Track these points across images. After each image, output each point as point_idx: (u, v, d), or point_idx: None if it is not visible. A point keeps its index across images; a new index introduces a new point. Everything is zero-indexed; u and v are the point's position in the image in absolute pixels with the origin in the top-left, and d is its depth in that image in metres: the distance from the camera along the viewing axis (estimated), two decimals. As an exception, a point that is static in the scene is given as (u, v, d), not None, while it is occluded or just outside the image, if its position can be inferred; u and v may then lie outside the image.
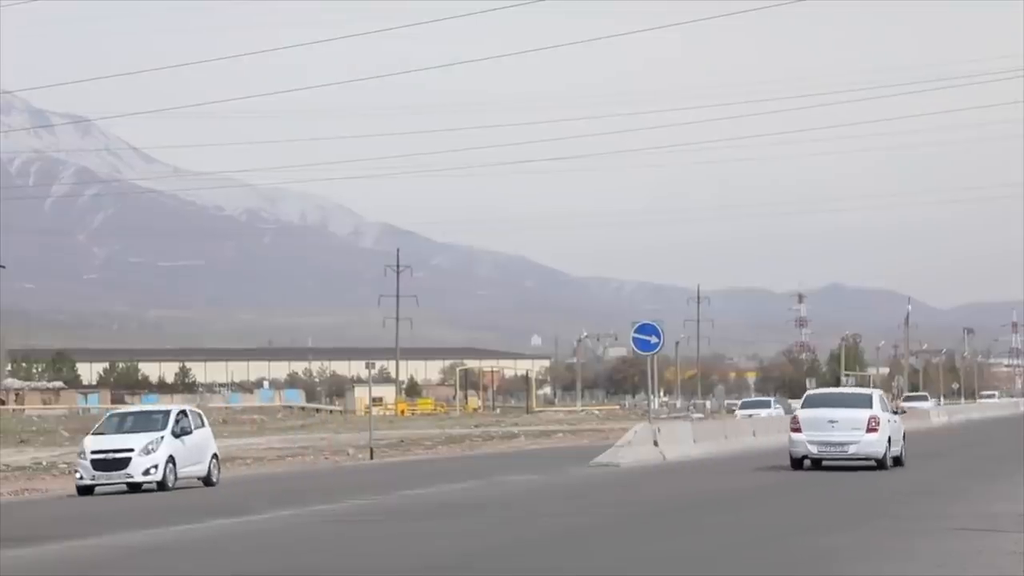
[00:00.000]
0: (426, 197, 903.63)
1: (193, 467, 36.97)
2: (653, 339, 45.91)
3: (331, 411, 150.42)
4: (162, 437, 36.04)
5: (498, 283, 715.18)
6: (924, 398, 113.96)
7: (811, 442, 35.59)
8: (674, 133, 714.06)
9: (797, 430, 36.01)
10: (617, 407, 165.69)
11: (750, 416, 67.68)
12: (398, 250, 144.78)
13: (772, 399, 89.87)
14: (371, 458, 52.77)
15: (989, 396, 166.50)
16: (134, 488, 35.85)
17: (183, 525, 23.50)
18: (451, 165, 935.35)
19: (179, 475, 36.26)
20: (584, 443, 63.39)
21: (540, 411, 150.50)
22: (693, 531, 20.64)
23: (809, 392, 42.98)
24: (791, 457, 36.15)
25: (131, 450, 35.65)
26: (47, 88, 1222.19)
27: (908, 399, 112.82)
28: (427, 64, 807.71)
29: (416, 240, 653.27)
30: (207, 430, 38.61)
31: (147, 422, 37.03)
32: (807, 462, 35.87)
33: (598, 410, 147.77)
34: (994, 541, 18.27)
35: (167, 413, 37.61)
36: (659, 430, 44.43)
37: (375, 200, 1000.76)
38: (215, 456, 38.30)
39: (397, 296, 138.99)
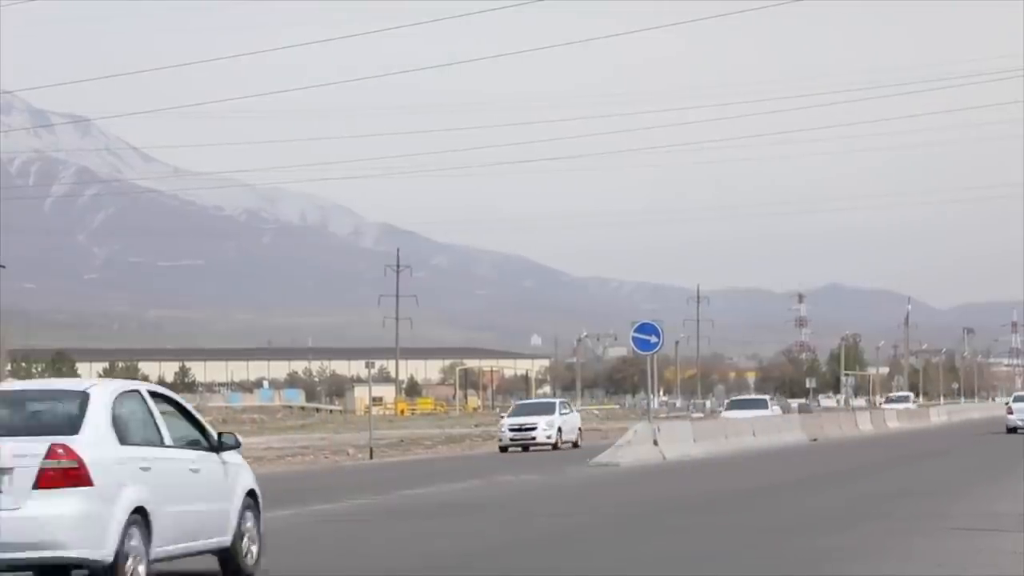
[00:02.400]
0: (426, 197, 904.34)
1: None
2: (653, 339, 45.87)
3: (331, 411, 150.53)
4: None
5: (497, 283, 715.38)
6: (906, 399, 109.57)
7: (1019, 419, 61.24)
8: (674, 133, 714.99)
9: (1010, 412, 62.83)
10: (617, 407, 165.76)
11: (744, 418, 57.77)
12: (398, 250, 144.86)
13: (768, 398, 78.48)
14: (371, 458, 52.77)
15: (954, 402, 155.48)
16: None
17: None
18: (451, 165, 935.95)
19: None
20: (584, 443, 63.38)
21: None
22: (693, 531, 20.65)
23: (1017, 392, 70.20)
24: (1006, 427, 61.47)
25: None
26: (47, 88, 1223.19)
27: (890, 400, 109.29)
28: (426, 64, 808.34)
29: (416, 240, 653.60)
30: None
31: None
32: (1019, 431, 59.25)
33: (598, 410, 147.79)
34: (994, 541, 18.27)
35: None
36: (659, 430, 44.44)
37: (375, 200, 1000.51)
38: None
39: (397, 296, 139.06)
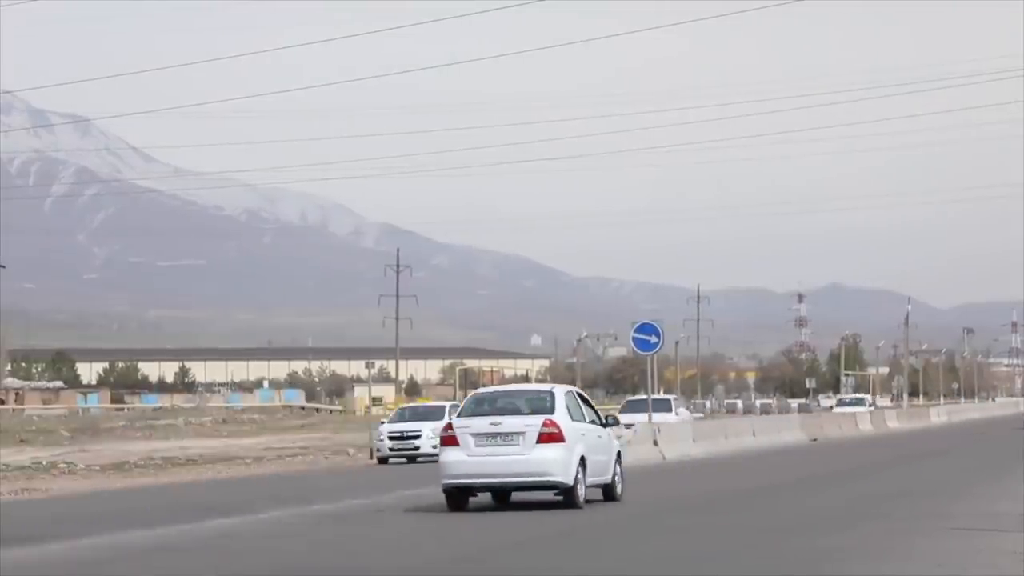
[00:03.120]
0: (426, 197, 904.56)
1: None
2: (653, 339, 45.88)
3: (331, 411, 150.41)
4: None
5: (498, 283, 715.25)
6: (861, 402, 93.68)
7: None
8: (674, 133, 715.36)
9: None
10: (617, 407, 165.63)
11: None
12: (398, 250, 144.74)
13: (672, 398, 69.82)
14: (371, 458, 52.77)
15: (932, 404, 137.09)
16: None
17: (183, 525, 23.51)
18: (451, 165, 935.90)
19: None
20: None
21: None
22: (693, 531, 20.65)
23: None
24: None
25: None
26: (47, 88, 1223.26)
27: (843, 404, 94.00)
28: (426, 64, 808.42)
29: (416, 240, 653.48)
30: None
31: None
32: None
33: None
34: (995, 541, 18.27)
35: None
36: (659, 430, 44.43)
37: (375, 200, 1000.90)
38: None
39: (397, 296, 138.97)
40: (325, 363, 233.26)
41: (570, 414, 25.08)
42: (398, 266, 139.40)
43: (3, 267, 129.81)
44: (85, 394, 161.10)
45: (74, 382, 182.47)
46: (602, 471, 25.94)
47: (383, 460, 49.19)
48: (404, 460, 48.68)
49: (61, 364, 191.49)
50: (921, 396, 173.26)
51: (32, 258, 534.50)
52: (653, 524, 22.23)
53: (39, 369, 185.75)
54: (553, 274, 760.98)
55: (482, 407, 25.42)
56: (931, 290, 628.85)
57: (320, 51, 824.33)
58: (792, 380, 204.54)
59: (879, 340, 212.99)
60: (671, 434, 45.66)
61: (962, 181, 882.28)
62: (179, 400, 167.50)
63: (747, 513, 23.84)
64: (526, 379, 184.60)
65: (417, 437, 48.61)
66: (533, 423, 24.53)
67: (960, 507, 23.51)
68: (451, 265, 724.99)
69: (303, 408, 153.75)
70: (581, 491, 24.78)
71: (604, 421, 26.69)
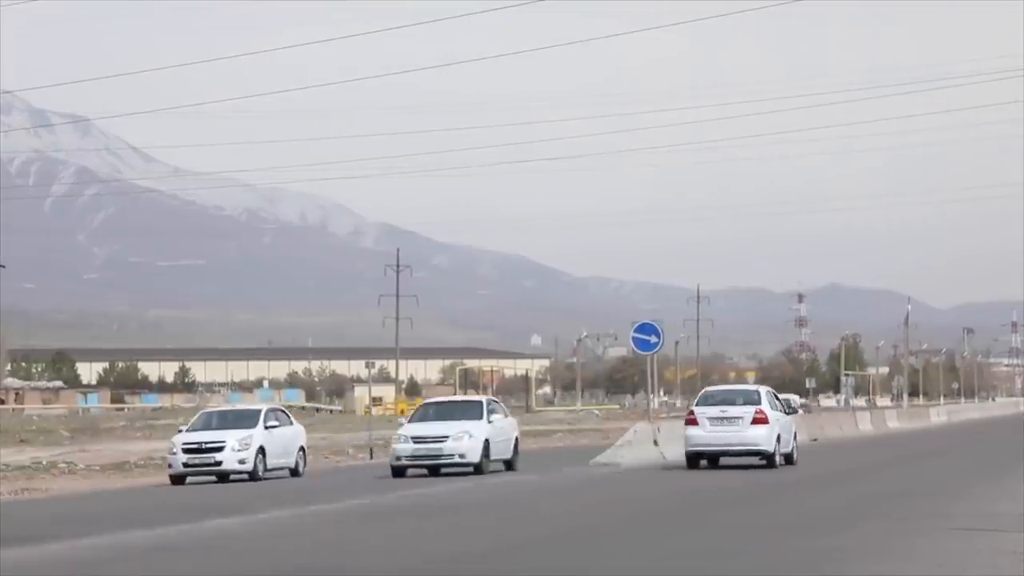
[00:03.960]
0: (426, 197, 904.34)
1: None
2: (653, 339, 45.86)
3: (331, 411, 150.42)
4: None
5: (498, 283, 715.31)
6: (788, 406, 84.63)
7: None
8: (674, 133, 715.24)
9: None
10: (617, 407, 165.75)
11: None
12: (398, 250, 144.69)
13: (484, 400, 62.54)
14: (371, 458, 52.76)
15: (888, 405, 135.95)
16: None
17: (183, 524, 23.50)
18: (451, 165, 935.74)
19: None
20: (584, 443, 63.43)
21: (540, 411, 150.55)
22: (693, 531, 20.65)
23: None
24: None
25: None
26: (47, 88, 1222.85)
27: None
28: (426, 64, 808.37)
29: (416, 240, 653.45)
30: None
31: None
32: None
33: (598, 410, 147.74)
34: (994, 541, 18.27)
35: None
36: (659, 430, 44.39)
37: (375, 200, 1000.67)
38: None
39: (397, 296, 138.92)
40: (325, 363, 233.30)
41: (770, 405, 37.62)
42: (398, 266, 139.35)
43: (3, 267, 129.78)
44: (85, 394, 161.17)
45: (74, 382, 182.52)
46: (786, 444, 37.95)
47: (178, 480, 38.64)
48: (211, 478, 38.99)
49: (61, 364, 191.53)
50: (921, 396, 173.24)
51: (32, 258, 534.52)
52: (653, 524, 22.22)
53: (39, 369, 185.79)
54: (553, 274, 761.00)
55: (711, 399, 38.13)
56: (931, 290, 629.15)
57: (320, 51, 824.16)
58: (792, 380, 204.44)
59: (879, 340, 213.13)
60: (671, 434, 45.59)
61: (962, 181, 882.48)
62: (179, 400, 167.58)
63: (747, 513, 23.84)
64: (526, 379, 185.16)
65: (219, 450, 38.58)
66: (748, 411, 36.90)
67: (960, 507, 23.50)
68: (451, 265, 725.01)
69: (303, 408, 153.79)
70: (777, 458, 36.84)
71: (787, 411, 39.75)
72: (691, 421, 37.19)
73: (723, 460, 37.41)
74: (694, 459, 37.19)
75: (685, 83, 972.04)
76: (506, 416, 40.72)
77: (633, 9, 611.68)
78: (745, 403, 37.31)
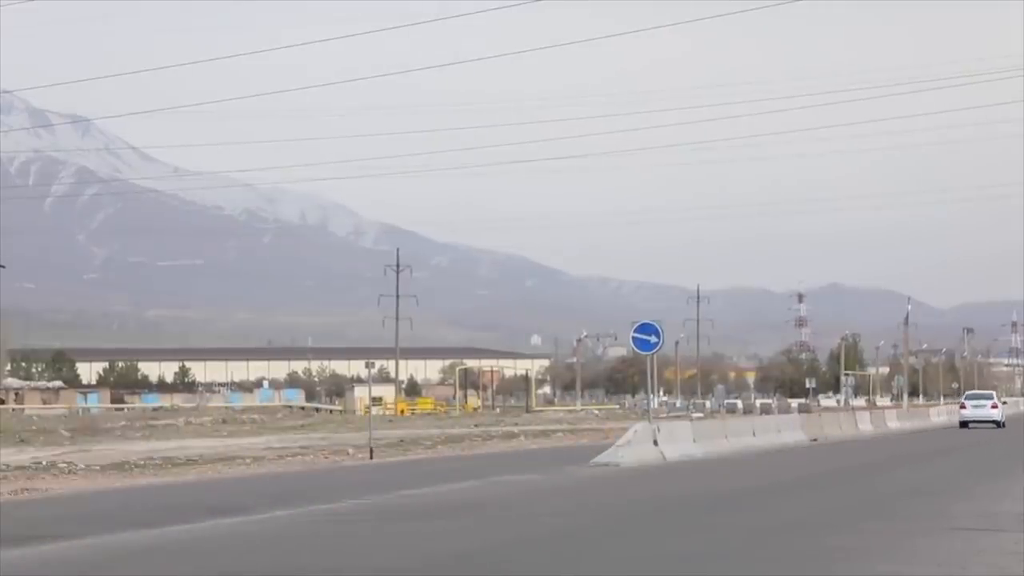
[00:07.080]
0: (426, 197, 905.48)
1: None
2: (653, 339, 45.79)
3: (331, 411, 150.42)
4: None
5: (498, 283, 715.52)
6: (734, 407, 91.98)
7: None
8: (675, 133, 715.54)
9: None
10: (617, 407, 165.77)
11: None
12: (398, 250, 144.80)
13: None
14: (371, 458, 52.72)
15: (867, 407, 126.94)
16: None
17: (183, 525, 23.48)
18: (451, 165, 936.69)
19: None
20: (584, 443, 63.37)
21: (540, 411, 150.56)
22: (693, 531, 20.63)
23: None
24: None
25: None
26: (47, 88, 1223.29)
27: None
28: (427, 64, 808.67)
29: (416, 240, 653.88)
30: None
31: None
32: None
33: (598, 410, 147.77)
34: (995, 540, 18.25)
35: None
36: (659, 429, 44.36)
37: (375, 200, 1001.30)
38: None
39: (397, 296, 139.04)
40: (325, 363, 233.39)
41: (997, 398, 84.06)
42: (398, 266, 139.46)
43: (3, 267, 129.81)
44: (85, 394, 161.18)
45: (74, 382, 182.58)
46: (1002, 417, 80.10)
47: None
48: None
49: (61, 364, 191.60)
50: (921, 396, 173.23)
51: (32, 258, 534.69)
52: (654, 524, 22.19)
53: (39, 369, 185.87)
54: (553, 274, 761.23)
55: (970, 397, 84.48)
56: (931, 290, 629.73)
57: (319, 51, 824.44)
58: (792, 380, 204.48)
59: (879, 340, 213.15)
60: (671, 434, 45.59)
61: (961, 181, 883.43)
62: (179, 400, 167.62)
63: (747, 513, 23.82)
64: (526, 379, 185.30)
65: None
66: (989, 401, 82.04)
67: (961, 507, 23.49)
68: (451, 265, 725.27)
69: (303, 408, 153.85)
70: (1001, 423, 78.67)
71: (997, 403, 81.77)
72: (963, 406, 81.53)
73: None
74: (964, 424, 78.19)
75: (686, 83, 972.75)
76: None
77: (634, 9, 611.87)
78: (985, 399, 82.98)
